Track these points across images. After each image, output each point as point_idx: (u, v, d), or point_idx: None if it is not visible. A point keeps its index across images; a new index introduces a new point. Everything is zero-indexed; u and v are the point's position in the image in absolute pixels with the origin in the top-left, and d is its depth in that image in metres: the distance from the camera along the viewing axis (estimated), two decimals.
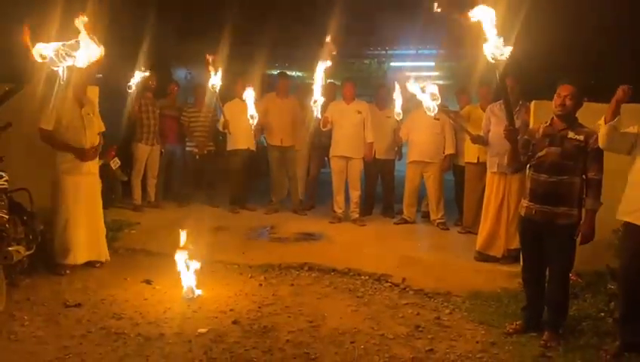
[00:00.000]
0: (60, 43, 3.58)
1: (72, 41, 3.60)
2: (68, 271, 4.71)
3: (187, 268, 4.35)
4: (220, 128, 7.24)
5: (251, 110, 6.35)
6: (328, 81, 6.47)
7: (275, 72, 12.25)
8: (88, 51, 3.66)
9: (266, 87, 8.18)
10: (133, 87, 6.77)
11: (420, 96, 4.29)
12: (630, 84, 3.38)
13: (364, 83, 9.60)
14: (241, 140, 7.26)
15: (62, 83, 4.30)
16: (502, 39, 3.13)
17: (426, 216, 7.18)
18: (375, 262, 5.20)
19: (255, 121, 6.46)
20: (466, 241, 6.09)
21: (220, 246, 5.56)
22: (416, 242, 6.29)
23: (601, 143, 3.47)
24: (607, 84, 3.56)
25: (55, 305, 4.05)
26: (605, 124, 3.41)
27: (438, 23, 7.95)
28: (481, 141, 5.57)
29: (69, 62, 3.64)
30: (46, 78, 4.29)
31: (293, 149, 7.41)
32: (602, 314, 3.97)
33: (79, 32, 3.63)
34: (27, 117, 4.76)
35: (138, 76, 6.75)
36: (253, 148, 7.40)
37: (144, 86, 6.98)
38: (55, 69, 3.67)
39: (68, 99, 4.74)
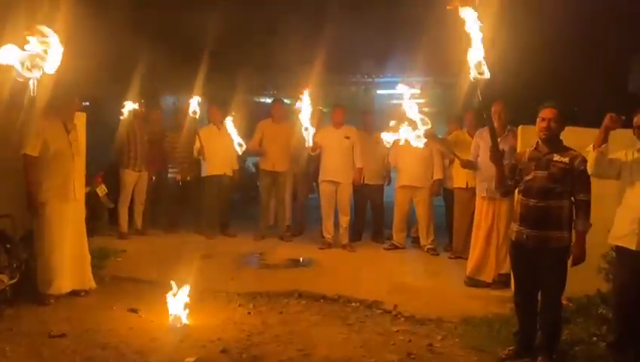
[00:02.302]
0: (26, 53, 3.18)
1: (40, 50, 3.21)
2: (52, 301, 4.58)
3: (174, 297, 4.27)
4: (195, 154, 7.22)
5: (237, 138, 6.46)
6: (315, 107, 6.52)
7: (263, 100, 12.33)
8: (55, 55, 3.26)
9: (257, 114, 8.22)
10: (125, 114, 6.79)
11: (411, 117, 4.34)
12: (609, 111, 3.45)
13: (351, 110, 9.70)
14: (216, 166, 7.24)
15: (32, 95, 3.50)
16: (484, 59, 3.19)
17: (415, 241, 7.15)
18: (366, 289, 5.15)
19: (242, 149, 6.54)
20: (456, 267, 6.07)
21: (207, 273, 5.46)
22: (406, 268, 6.25)
23: (589, 170, 3.49)
24: (589, 110, 3.62)
25: (39, 336, 3.93)
26: (593, 150, 3.45)
27: (424, 50, 8.08)
28: (471, 166, 5.61)
29: (37, 73, 3.22)
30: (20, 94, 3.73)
31: (285, 175, 7.36)
32: (594, 338, 3.93)
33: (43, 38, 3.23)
34: (10, 140, 4.58)
35: (130, 105, 6.79)
36: (230, 173, 7.36)
37: (133, 113, 6.98)
38: (21, 80, 3.23)
39: (55, 124, 4.64)
